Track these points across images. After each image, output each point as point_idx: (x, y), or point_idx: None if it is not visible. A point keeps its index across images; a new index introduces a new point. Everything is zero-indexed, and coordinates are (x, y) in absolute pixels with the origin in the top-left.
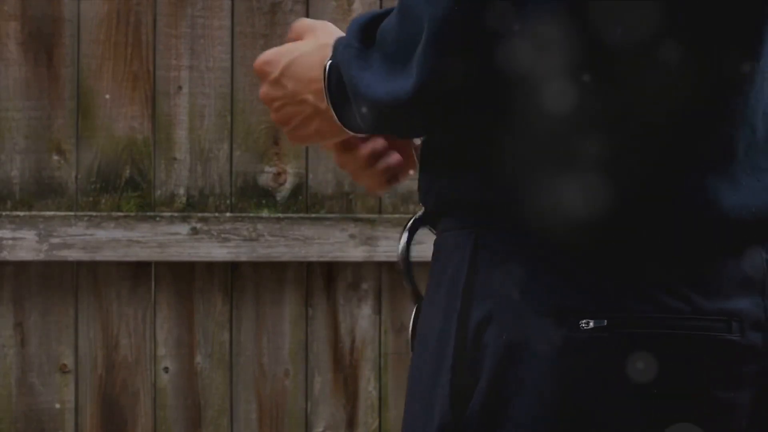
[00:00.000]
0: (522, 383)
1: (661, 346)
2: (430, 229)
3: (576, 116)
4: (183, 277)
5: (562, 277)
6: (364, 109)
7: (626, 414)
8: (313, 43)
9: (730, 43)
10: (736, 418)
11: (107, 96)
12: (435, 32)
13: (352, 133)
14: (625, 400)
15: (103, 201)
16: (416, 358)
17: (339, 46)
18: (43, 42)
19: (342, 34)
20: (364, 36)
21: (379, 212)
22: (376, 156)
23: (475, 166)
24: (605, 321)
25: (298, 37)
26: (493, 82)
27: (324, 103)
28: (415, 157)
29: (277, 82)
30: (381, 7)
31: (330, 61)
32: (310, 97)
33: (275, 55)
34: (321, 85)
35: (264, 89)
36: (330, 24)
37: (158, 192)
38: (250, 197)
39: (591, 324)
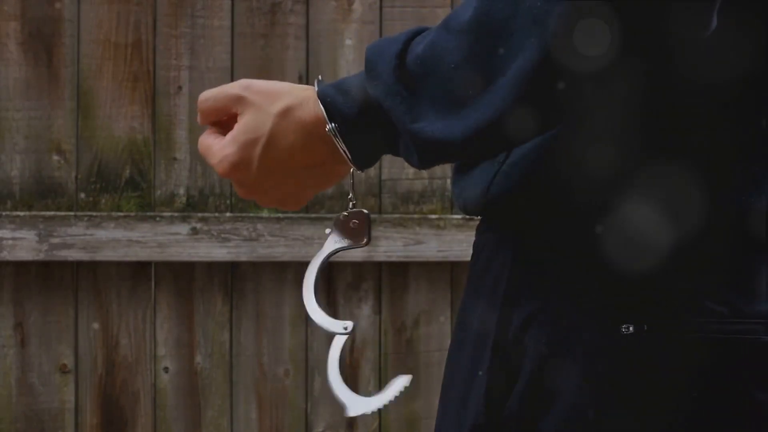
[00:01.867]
0: (561, 387)
1: (701, 350)
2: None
3: (620, 118)
4: (183, 277)
5: (603, 282)
6: (432, 154)
7: (666, 418)
8: (264, 116)
9: None
10: None
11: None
12: (545, 50)
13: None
14: (665, 404)
15: (103, 201)
16: (453, 357)
17: (374, 91)
18: (43, 42)
19: (268, 85)
20: (400, 70)
21: (379, 212)
22: None
23: (515, 169)
24: (645, 325)
25: (222, 112)
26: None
27: (322, 167)
28: None
29: (257, 183)
30: (381, 6)
31: (333, 124)
32: (303, 172)
33: (238, 156)
34: (313, 158)
35: (245, 192)
36: (249, 81)
37: (158, 192)
38: None
39: (631, 329)
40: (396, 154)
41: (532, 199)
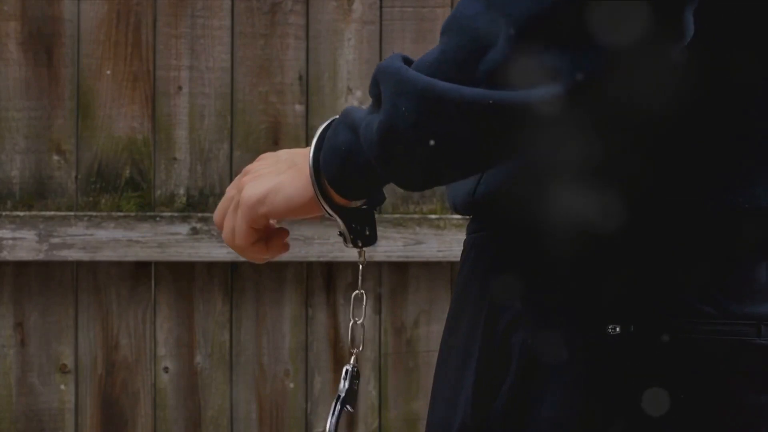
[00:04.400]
0: (548, 387)
1: (689, 351)
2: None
3: (610, 119)
4: (183, 277)
5: (590, 282)
6: (414, 98)
7: (654, 420)
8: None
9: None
10: (765, 423)
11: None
12: (514, 45)
13: (313, 189)
14: (653, 406)
15: (103, 201)
16: (442, 358)
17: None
18: (43, 42)
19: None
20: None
21: (379, 212)
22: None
23: (503, 169)
24: (632, 326)
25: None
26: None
27: (303, 158)
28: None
29: (272, 155)
30: (381, 6)
31: (328, 123)
32: (297, 158)
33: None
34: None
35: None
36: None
37: (158, 192)
38: None
39: (618, 329)
40: (357, 146)
41: (519, 200)
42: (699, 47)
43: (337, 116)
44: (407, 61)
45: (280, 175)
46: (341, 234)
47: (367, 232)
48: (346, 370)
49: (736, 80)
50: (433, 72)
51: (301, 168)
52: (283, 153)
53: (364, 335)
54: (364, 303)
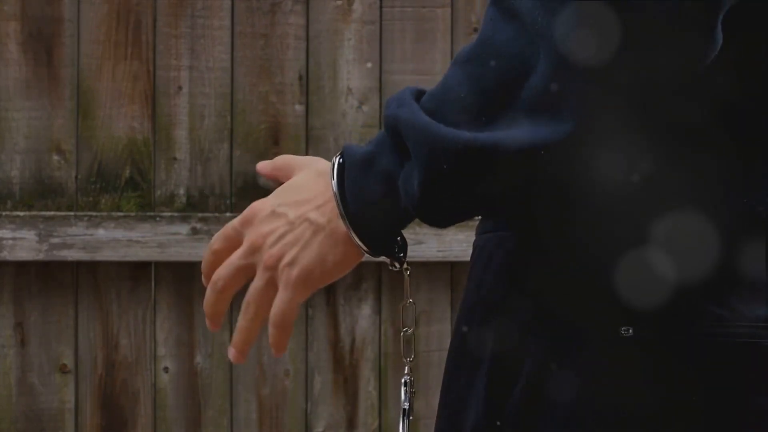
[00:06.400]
0: (560, 390)
1: (701, 353)
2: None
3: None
4: (183, 277)
5: (604, 284)
6: (440, 156)
7: (666, 422)
8: (307, 171)
9: None
10: None
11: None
12: (555, 65)
13: (359, 248)
14: (666, 408)
15: (103, 201)
16: (452, 359)
17: (386, 117)
18: (43, 42)
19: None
20: (416, 101)
21: None
22: None
23: None
24: (646, 328)
25: (282, 172)
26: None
27: (326, 217)
28: None
29: (272, 214)
30: (381, 6)
31: (339, 159)
32: (313, 215)
33: (262, 201)
34: (326, 197)
35: (252, 234)
36: (319, 159)
37: (158, 192)
38: (250, 197)
39: (631, 331)
40: (395, 198)
41: (531, 200)
42: (720, 53)
43: (344, 160)
44: (419, 94)
45: (311, 243)
46: (390, 266)
47: (400, 241)
48: (404, 382)
49: (751, 86)
50: (468, 106)
51: (333, 229)
52: (290, 210)
53: (408, 342)
54: (414, 313)
